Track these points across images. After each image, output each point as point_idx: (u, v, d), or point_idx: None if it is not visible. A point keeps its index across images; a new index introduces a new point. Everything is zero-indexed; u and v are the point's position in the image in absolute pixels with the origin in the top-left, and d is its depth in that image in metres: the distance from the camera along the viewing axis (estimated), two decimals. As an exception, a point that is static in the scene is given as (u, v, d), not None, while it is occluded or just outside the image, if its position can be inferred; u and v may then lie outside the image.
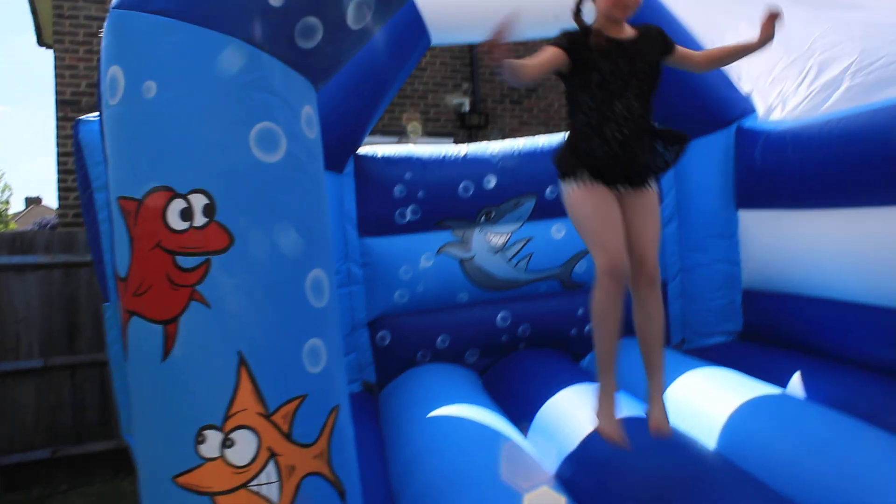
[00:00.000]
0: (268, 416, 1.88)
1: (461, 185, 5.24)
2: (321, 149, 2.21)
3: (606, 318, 2.93)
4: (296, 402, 1.92)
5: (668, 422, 3.06)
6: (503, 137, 10.23)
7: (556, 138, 5.64)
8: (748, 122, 5.17)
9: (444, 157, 5.32)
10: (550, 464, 3.51)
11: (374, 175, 5.19)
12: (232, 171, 1.91)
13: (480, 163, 5.32)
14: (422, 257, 5.22)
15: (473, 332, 5.34)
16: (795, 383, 4.27)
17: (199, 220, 1.89)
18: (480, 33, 5.57)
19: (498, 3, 4.91)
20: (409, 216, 5.20)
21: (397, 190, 5.18)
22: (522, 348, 5.40)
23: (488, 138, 10.09)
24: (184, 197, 1.89)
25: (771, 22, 2.96)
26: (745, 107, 5.22)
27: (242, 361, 1.87)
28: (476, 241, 5.30)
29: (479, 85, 10.38)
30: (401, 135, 9.70)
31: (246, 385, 1.87)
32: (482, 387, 5.01)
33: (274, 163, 1.96)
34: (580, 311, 5.38)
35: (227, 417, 1.86)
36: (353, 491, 2.10)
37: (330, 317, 2.07)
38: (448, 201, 5.24)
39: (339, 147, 4.99)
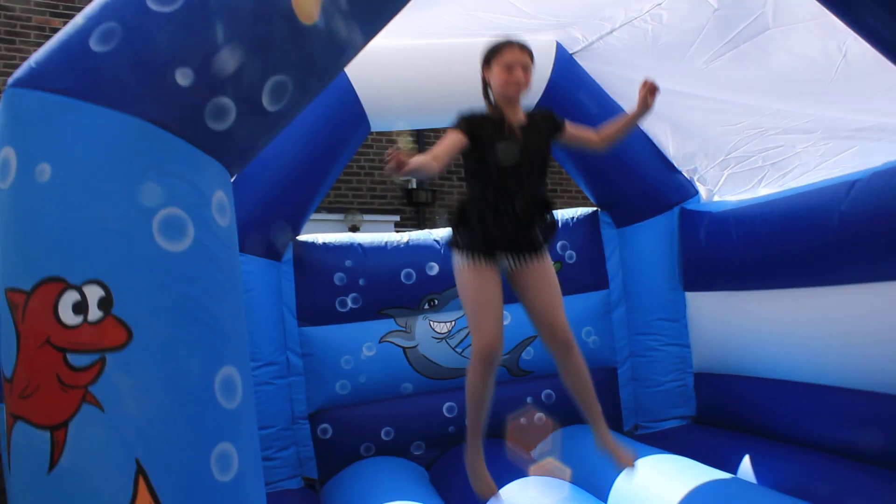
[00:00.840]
0: (168, 533, 1.68)
1: (403, 273, 5.10)
2: (235, 238, 2.07)
3: (478, 397, 3.22)
4: (201, 516, 1.73)
5: (632, 451, 3.36)
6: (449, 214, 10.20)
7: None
8: (691, 204, 5.18)
9: (385, 243, 5.20)
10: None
11: (313, 262, 5.03)
12: (131, 260, 1.76)
13: (423, 249, 5.21)
14: (364, 347, 5.03)
15: (419, 424, 5.11)
16: (746, 467, 4.15)
17: (94, 314, 1.72)
18: (419, 120, 5.59)
19: (434, 91, 4.94)
20: (350, 304, 5.03)
21: (337, 278, 5.02)
22: (470, 440, 5.19)
23: (435, 215, 10.06)
24: (77, 289, 1.72)
25: (647, 93, 3.25)
26: (687, 189, 5.25)
27: (140, 471, 1.68)
28: (420, 329, 5.14)
29: (426, 161, 10.32)
30: (346, 212, 9.57)
31: (144, 498, 1.68)
32: (429, 482, 4.78)
33: (179, 252, 1.81)
34: (529, 399, 5.22)
35: (121, 536, 1.65)
36: None
37: (244, 418, 1.88)
38: (390, 289, 5.10)
39: (275, 235, 4.84)
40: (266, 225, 4.73)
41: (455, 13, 4.41)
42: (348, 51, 2.11)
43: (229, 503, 1.78)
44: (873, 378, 3.78)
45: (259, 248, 4.73)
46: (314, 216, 9.57)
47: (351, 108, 4.87)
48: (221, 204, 1.96)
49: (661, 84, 4.67)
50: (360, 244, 5.17)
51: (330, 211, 9.39)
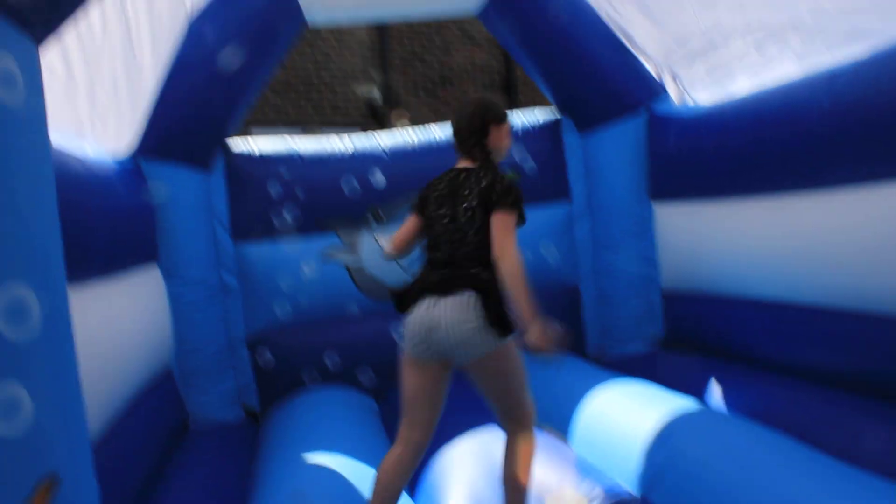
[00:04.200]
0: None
1: (345, 183, 4.66)
2: (39, 120, 1.62)
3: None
4: (-28, 477, 1.33)
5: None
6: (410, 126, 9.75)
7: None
8: (660, 107, 4.72)
9: (326, 151, 4.75)
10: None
11: (246, 173, 4.59)
12: None
13: (367, 157, 4.75)
14: (303, 265, 4.63)
15: (367, 349, 4.75)
16: (716, 394, 3.84)
17: None
18: (362, 12, 5.04)
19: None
20: (287, 218, 4.60)
21: (273, 189, 4.58)
22: (422, 365, 4.84)
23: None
24: None
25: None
26: (655, 90, 4.76)
27: None
28: (365, 245, 4.73)
29: (390, 74, 9.79)
30: (305, 125, 9.07)
31: None
32: (376, 415, 4.43)
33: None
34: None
35: None
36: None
37: (42, 353, 1.47)
38: (332, 201, 4.67)
39: (203, 141, 4.39)
40: (189, 130, 4.27)
41: None
42: None
43: (15, 458, 1.38)
44: (852, 295, 3.41)
45: (183, 155, 4.28)
46: (272, 131, 9.12)
47: (282, -1, 4.34)
48: (7, 74, 1.50)
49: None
50: (297, 152, 4.72)
51: (288, 125, 8.87)
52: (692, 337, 4.66)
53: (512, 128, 3.13)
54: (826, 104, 3.33)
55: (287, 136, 4.99)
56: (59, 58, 3.11)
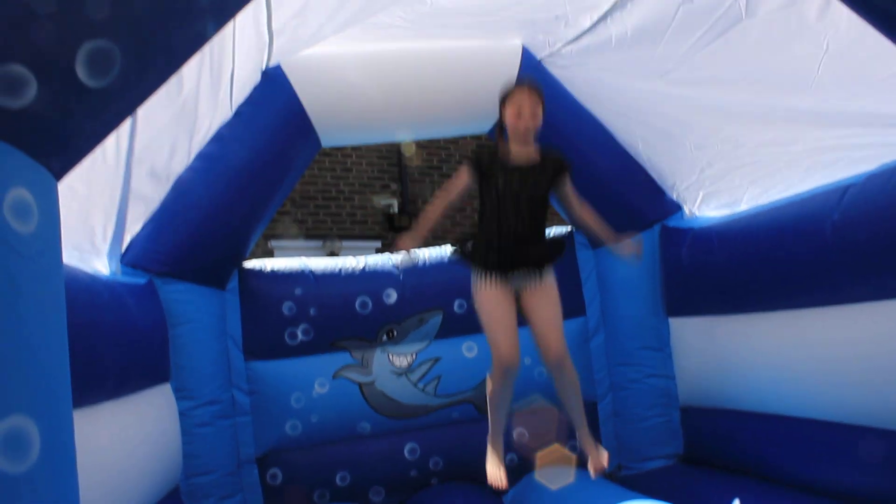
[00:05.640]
0: None
1: (358, 301, 4.68)
2: (52, 251, 1.63)
3: (500, 403, 3.65)
4: None
5: (604, 457, 3.63)
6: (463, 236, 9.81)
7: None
8: (673, 221, 4.75)
9: (338, 270, 4.78)
10: None
11: (260, 291, 4.62)
12: None
13: (379, 276, 4.78)
14: (315, 383, 4.60)
15: (378, 468, 4.67)
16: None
17: None
18: (373, 135, 5.18)
19: (386, 105, 4.56)
20: (300, 336, 4.60)
21: (286, 307, 4.60)
22: (435, 484, 4.73)
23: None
24: None
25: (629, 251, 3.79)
26: (668, 206, 4.81)
27: None
28: (377, 362, 4.70)
29: (408, 185, 9.96)
30: (325, 238, 9.15)
31: None
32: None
33: (-53, 266, 1.38)
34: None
35: None
36: None
37: (39, 486, 1.44)
38: (344, 319, 4.67)
39: (220, 260, 4.44)
40: (206, 250, 4.32)
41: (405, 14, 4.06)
42: (198, 15, 1.69)
43: None
44: (871, 411, 3.33)
45: (199, 274, 4.32)
46: (291, 244, 9.27)
47: (298, 123, 4.48)
48: (22, 205, 1.52)
49: (634, 85, 4.33)
50: (311, 270, 4.76)
51: (308, 238, 8.99)
52: (713, 453, 4.53)
53: (514, 99, 3.51)
54: (836, 217, 3.33)
55: (303, 258, 5.02)
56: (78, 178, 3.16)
